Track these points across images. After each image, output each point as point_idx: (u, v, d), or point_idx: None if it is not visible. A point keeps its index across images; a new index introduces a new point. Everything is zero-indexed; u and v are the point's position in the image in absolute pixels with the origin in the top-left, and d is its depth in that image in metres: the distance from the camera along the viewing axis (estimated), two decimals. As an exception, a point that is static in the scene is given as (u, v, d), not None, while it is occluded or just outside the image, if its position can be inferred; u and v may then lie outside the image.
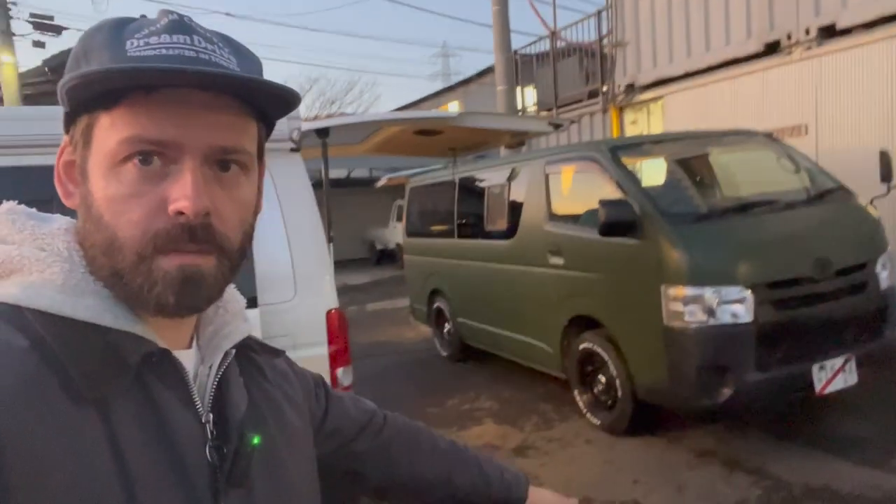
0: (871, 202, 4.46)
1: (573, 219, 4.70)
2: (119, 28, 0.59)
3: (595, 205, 4.08)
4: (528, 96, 11.78)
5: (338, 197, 7.38)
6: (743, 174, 5.19)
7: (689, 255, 3.70)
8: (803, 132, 6.60)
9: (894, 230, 4.86)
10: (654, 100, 8.73)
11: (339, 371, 2.77)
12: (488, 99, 13.04)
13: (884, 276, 4.04)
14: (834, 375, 3.71)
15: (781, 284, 3.71)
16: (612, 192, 4.19)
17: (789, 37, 6.73)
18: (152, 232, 0.57)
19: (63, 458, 0.52)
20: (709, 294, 3.60)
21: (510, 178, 5.56)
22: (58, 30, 10.98)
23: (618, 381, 4.20)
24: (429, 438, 1.01)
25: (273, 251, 2.65)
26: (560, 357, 4.81)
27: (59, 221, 0.64)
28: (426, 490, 0.98)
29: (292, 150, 2.80)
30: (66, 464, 0.52)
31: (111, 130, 0.57)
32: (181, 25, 0.59)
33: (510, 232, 5.40)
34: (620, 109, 9.29)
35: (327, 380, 2.80)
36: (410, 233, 7.55)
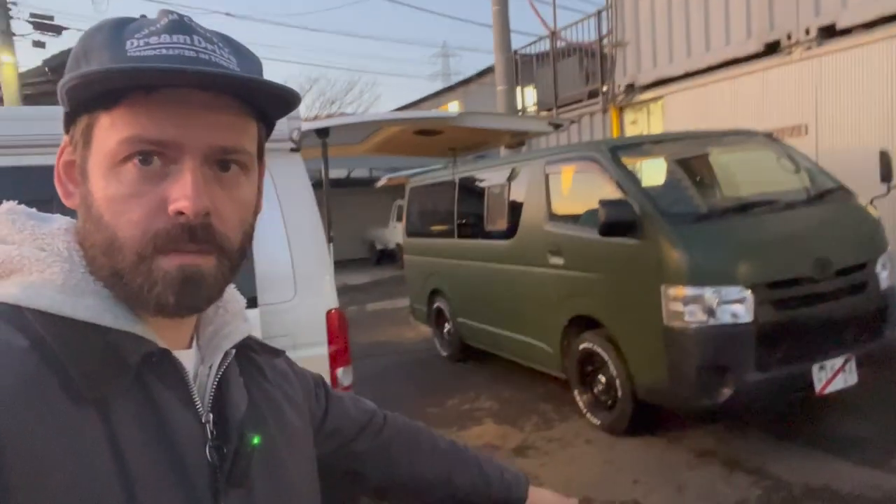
0: (871, 202, 4.46)
1: (573, 219, 4.70)
2: (119, 28, 0.59)
3: (595, 205, 4.08)
4: (528, 96, 11.79)
5: (338, 197, 7.38)
6: (743, 174, 5.19)
7: (689, 255, 3.70)
8: (803, 132, 6.60)
9: (894, 230, 4.86)
10: (654, 100, 8.73)
11: (340, 371, 2.77)
12: (488, 99, 13.04)
13: (884, 276, 4.04)
14: (834, 375, 3.71)
15: (781, 284, 3.71)
16: (612, 192, 4.19)
17: (789, 37, 6.74)
18: (152, 232, 0.57)
19: (63, 458, 0.52)
20: (709, 294, 3.60)
21: (510, 178, 5.56)
22: (58, 30, 10.98)
23: (618, 381, 4.20)
24: (429, 438, 1.01)
25: (273, 251, 2.65)
26: (560, 357, 4.81)
27: (59, 221, 0.64)
28: (426, 490, 0.98)
29: (292, 150, 2.80)
30: (66, 464, 0.52)
31: (111, 130, 0.57)
32: (181, 25, 0.59)
33: (510, 232, 5.40)
34: (620, 109, 9.29)
35: (327, 380, 2.80)
36: (410, 233, 7.55)
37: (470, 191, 6.36)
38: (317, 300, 2.76)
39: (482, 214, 6.00)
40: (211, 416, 0.64)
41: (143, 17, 0.61)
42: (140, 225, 0.57)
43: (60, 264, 0.59)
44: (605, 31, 9.63)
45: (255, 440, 0.65)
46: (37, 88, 10.38)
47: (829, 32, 6.40)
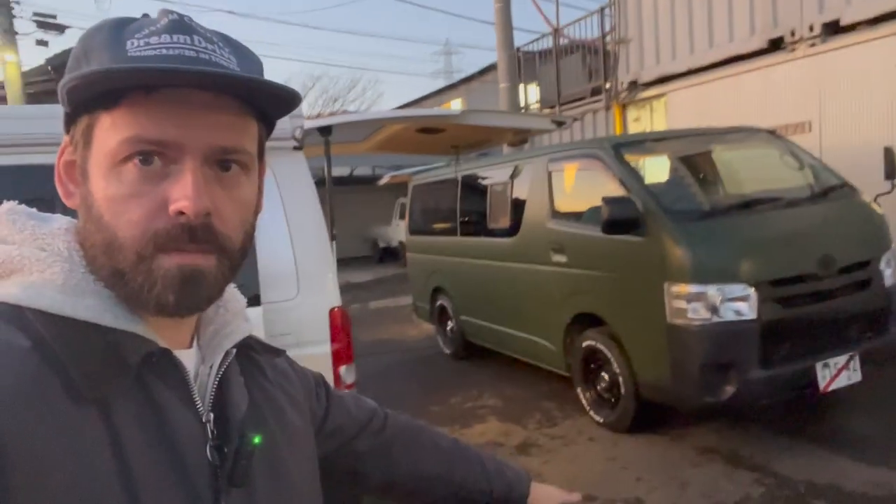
0: (876, 199, 4.45)
1: (576, 216, 4.69)
2: (119, 28, 0.59)
3: (598, 202, 4.08)
4: (530, 94, 11.77)
5: (340, 195, 7.38)
6: (746, 171, 5.18)
7: (693, 253, 3.69)
8: (807, 129, 6.58)
9: (898, 227, 4.84)
10: (658, 97, 8.71)
11: (342, 369, 2.77)
12: (491, 96, 13.02)
13: (888, 274, 4.03)
14: (838, 373, 3.70)
15: (785, 282, 3.70)
16: (615, 190, 4.18)
17: (793, 33, 6.71)
18: (152, 232, 0.57)
19: (63, 458, 0.52)
20: (712, 291, 3.60)
21: (513, 176, 5.56)
22: (61, 28, 10.99)
23: (621, 379, 4.20)
24: (430, 437, 1.01)
25: (276, 249, 2.65)
26: (563, 355, 4.81)
27: (60, 221, 0.64)
28: (428, 488, 0.98)
29: (295, 148, 2.80)
30: (66, 464, 0.52)
31: (111, 131, 0.57)
32: (181, 25, 0.59)
33: (513, 230, 5.40)
34: (623, 107, 9.28)
35: (330, 378, 2.81)
36: (413, 231, 7.55)
37: (473, 189, 6.35)
38: (320, 298, 2.76)
39: (485, 212, 6.00)
40: (212, 415, 0.64)
41: (147, 15, 0.61)
42: (140, 225, 0.57)
43: (61, 264, 0.59)
44: (608, 27, 9.62)
45: (256, 440, 0.65)
46: (40, 87, 10.38)
47: (833, 29, 6.38)
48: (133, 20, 0.60)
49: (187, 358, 0.65)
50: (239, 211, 0.62)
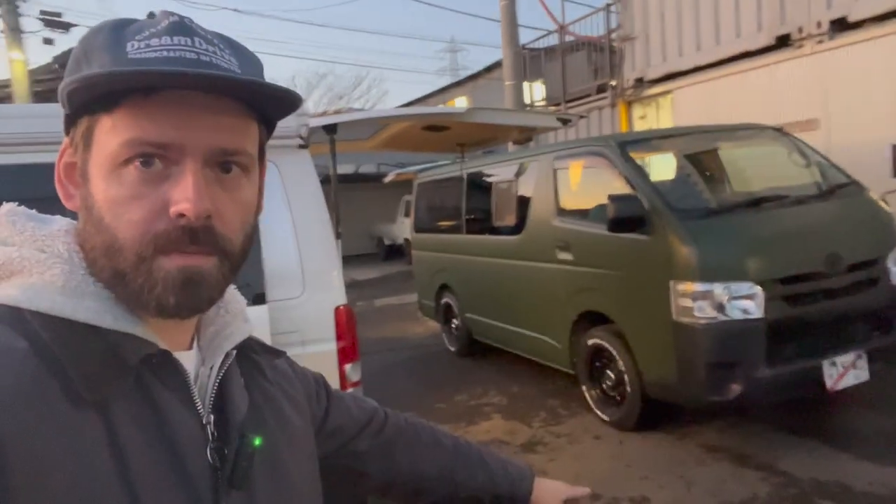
0: (883, 197, 4.42)
1: (582, 214, 4.68)
2: (119, 29, 0.59)
3: (604, 200, 4.07)
4: (536, 91, 11.76)
5: (346, 192, 7.39)
6: (753, 169, 5.16)
7: (699, 251, 3.68)
8: (814, 126, 6.55)
9: (906, 225, 4.81)
10: (663, 94, 8.69)
11: (348, 367, 2.77)
12: (496, 94, 13.00)
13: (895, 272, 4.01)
14: (845, 371, 3.68)
15: (792, 280, 3.68)
16: (620, 188, 4.17)
17: (800, 30, 6.68)
18: (153, 233, 0.57)
19: (63, 459, 0.52)
20: (718, 290, 3.58)
21: (518, 174, 5.55)
22: (67, 27, 11.03)
23: (626, 377, 4.19)
24: (431, 436, 1.01)
25: (281, 248, 2.66)
26: (568, 353, 4.81)
27: (60, 223, 0.64)
28: (429, 487, 0.98)
29: (300, 146, 2.81)
30: (66, 464, 0.52)
31: (112, 133, 0.57)
32: (182, 27, 0.59)
33: (518, 227, 5.39)
34: (629, 104, 9.26)
35: (335, 376, 2.81)
36: (418, 228, 7.55)
37: (478, 186, 6.34)
38: (325, 296, 2.76)
39: (490, 210, 5.99)
40: (212, 417, 0.64)
41: (152, 14, 0.61)
42: (140, 226, 0.57)
43: (61, 266, 0.59)
44: (613, 25, 9.60)
45: (257, 441, 0.65)
46: (46, 85, 10.42)
47: (840, 25, 6.35)
48: (133, 21, 0.60)
49: (187, 359, 0.65)
50: (239, 212, 0.62)
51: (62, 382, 0.54)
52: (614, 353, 4.27)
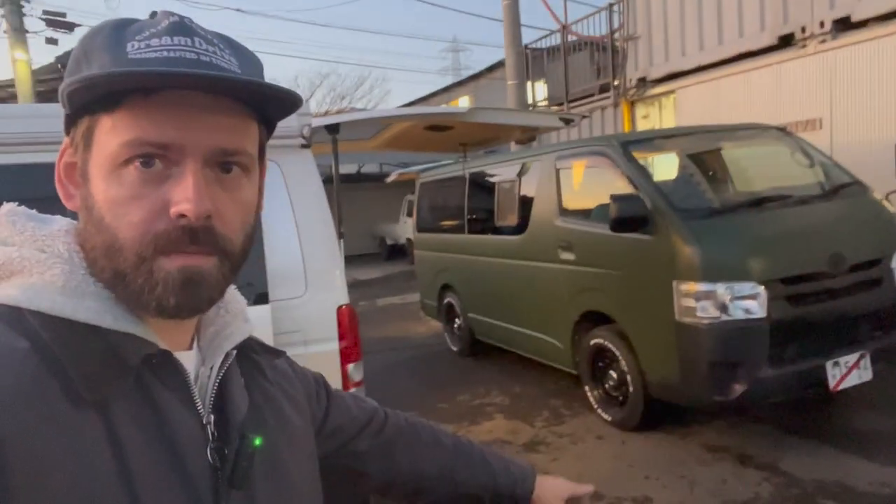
0: (887, 197, 4.41)
1: (584, 214, 4.68)
2: (119, 30, 0.59)
3: (606, 200, 4.06)
4: (538, 91, 11.75)
5: (348, 192, 7.40)
6: (756, 169, 5.15)
7: (702, 251, 3.67)
8: (817, 126, 6.54)
9: (910, 225, 4.80)
10: (666, 94, 8.68)
11: (350, 367, 2.77)
12: (499, 94, 13.00)
13: (899, 272, 4.00)
14: (848, 372, 3.67)
15: (795, 280, 3.68)
16: (623, 188, 4.16)
17: (803, 30, 6.67)
18: (153, 234, 0.57)
19: (63, 459, 0.52)
20: (721, 290, 3.58)
21: (521, 174, 5.55)
22: (70, 27, 11.04)
23: (629, 377, 4.19)
24: (431, 435, 1.01)
25: (284, 247, 2.66)
26: (571, 353, 4.80)
27: (60, 223, 0.64)
28: (429, 487, 0.98)
29: (303, 146, 2.81)
30: (66, 464, 0.52)
31: (112, 133, 0.57)
32: (182, 27, 0.59)
33: (521, 227, 5.39)
34: (632, 104, 9.25)
35: (338, 375, 2.81)
36: (421, 228, 7.55)
37: (480, 186, 6.34)
38: (327, 296, 2.77)
39: (493, 210, 5.99)
40: (212, 417, 0.64)
41: (154, 13, 0.61)
42: (141, 227, 0.57)
43: (61, 266, 0.59)
44: (616, 24, 9.59)
45: (257, 441, 0.65)
46: (50, 85, 10.43)
47: (844, 25, 6.34)
48: (133, 21, 0.60)
49: (187, 359, 0.65)
50: (240, 213, 0.62)
51: (62, 382, 0.54)
52: (617, 353, 4.27)
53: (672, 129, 6.88)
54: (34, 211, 0.65)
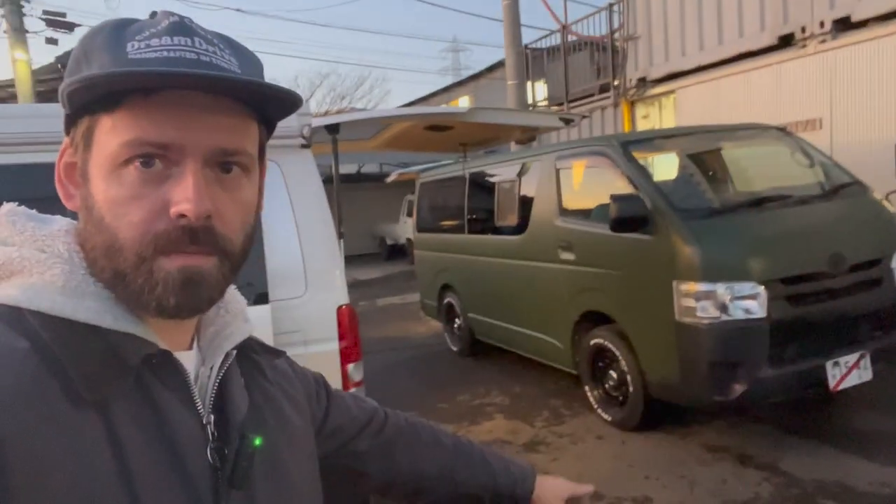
0: (887, 197, 4.41)
1: (584, 214, 4.68)
2: (119, 30, 0.59)
3: (606, 200, 4.06)
4: (538, 91, 11.75)
5: (348, 192, 7.40)
6: (756, 169, 5.15)
7: (702, 251, 3.67)
8: (818, 126, 6.54)
9: (910, 225, 4.80)
10: (666, 94, 8.68)
11: (350, 367, 2.77)
12: (499, 94, 13.00)
13: (899, 272, 4.00)
14: (848, 372, 3.67)
15: (795, 280, 3.68)
16: (623, 188, 4.16)
17: (803, 30, 6.67)
18: (153, 234, 0.57)
19: (63, 459, 0.52)
20: (721, 290, 3.58)
21: (521, 174, 5.55)
22: (70, 27, 11.04)
23: (629, 377, 4.19)
24: (431, 435, 1.01)
25: (284, 247, 2.66)
26: (571, 353, 4.80)
27: (60, 223, 0.64)
28: (429, 487, 0.98)
29: (303, 146, 2.81)
30: (66, 464, 0.52)
31: (112, 133, 0.57)
32: (182, 27, 0.59)
33: (521, 227, 5.39)
34: (632, 104, 9.25)
35: (338, 375, 2.81)
36: (421, 228, 7.55)
37: (480, 186, 6.34)
38: (327, 296, 2.77)
39: (493, 210, 5.99)
40: (212, 417, 0.64)
41: (154, 13, 0.61)
42: (141, 227, 0.57)
43: (61, 266, 0.59)
44: (616, 24, 9.59)
45: (257, 441, 0.65)
46: (50, 85, 10.43)
47: (844, 25, 6.34)
48: (133, 21, 0.60)
49: (187, 359, 0.65)
50: (240, 213, 0.62)
51: (62, 382, 0.54)
52: (617, 353, 4.27)
53: (672, 129, 6.89)
54: (34, 211, 0.65)
